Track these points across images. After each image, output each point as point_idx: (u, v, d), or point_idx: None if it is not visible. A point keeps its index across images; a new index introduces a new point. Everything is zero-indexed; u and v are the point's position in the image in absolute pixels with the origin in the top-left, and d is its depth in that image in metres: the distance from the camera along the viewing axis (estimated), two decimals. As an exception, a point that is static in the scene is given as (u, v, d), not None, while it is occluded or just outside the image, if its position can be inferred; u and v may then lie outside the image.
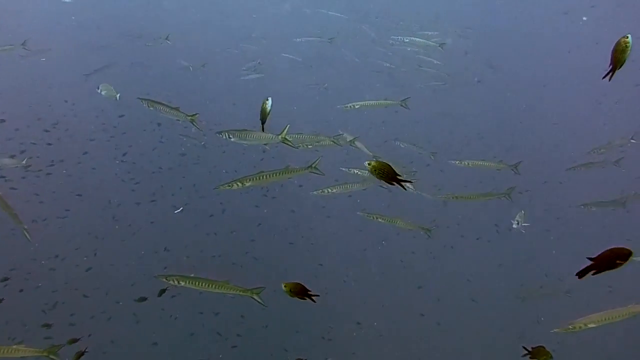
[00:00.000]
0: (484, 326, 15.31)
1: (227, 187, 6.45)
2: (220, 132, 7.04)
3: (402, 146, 13.29)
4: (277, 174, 6.63)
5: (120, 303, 13.34)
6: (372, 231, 16.45)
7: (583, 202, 12.22)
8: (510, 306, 15.34)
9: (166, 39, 17.78)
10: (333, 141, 8.84)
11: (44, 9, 24.20)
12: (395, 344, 15.00)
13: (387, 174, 4.70)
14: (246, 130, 7.10)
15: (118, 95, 10.45)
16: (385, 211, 9.56)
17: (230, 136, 7.02)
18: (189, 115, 7.58)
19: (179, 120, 7.78)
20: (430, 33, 19.30)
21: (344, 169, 9.37)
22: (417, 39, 15.92)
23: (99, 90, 10.39)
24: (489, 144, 21.26)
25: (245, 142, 7.25)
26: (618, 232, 15.21)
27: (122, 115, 16.93)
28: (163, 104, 7.58)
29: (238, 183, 6.44)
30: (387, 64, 20.55)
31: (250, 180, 6.50)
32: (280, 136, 7.18)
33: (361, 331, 14.99)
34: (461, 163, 9.61)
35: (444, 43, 15.13)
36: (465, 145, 20.61)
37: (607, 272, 4.10)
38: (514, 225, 9.17)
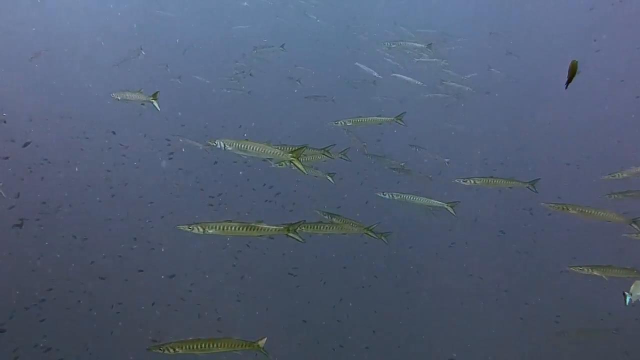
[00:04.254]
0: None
1: (187, 229, 6.14)
2: (214, 141, 6.69)
3: (417, 152, 13.24)
4: (246, 229, 6.17)
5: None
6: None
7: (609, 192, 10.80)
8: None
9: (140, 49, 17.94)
10: (324, 154, 8.05)
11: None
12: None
13: None
14: (247, 140, 6.70)
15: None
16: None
17: (227, 145, 6.66)
18: (150, 96, 8.43)
19: (143, 104, 8.64)
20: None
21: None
22: (405, 42, 15.85)
23: None
24: (502, 160, 20.94)
25: (244, 154, 6.85)
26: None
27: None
28: (129, 91, 8.48)
29: (199, 227, 6.13)
30: (417, 81, 19.98)
31: (213, 228, 6.14)
32: (290, 154, 6.63)
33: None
34: (467, 181, 9.05)
35: (431, 44, 15.05)
36: (475, 160, 20.31)
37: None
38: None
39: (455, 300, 16.20)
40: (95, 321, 13.63)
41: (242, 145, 6.71)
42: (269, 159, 6.88)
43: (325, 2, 26.48)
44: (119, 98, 8.61)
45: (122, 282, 14.22)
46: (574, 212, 8.28)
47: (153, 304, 13.75)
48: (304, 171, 6.78)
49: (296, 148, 6.63)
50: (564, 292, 15.17)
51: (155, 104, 8.46)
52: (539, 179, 9.27)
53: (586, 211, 8.27)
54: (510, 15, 29.66)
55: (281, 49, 19.50)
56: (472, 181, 9.08)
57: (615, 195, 11.11)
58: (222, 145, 6.73)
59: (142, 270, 14.31)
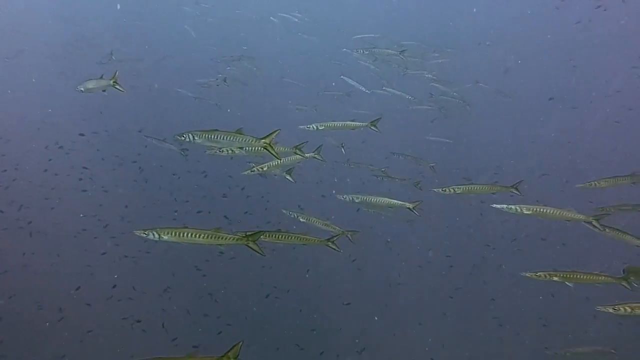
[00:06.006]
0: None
1: (143, 235, 5.95)
2: (181, 135, 6.43)
3: (401, 159, 13.22)
4: (203, 236, 5.94)
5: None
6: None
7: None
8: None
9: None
10: (296, 152, 7.95)
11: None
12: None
13: None
14: (216, 130, 6.43)
15: None
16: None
17: (195, 137, 6.41)
18: (111, 79, 8.69)
19: (104, 92, 8.75)
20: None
21: None
22: (377, 49, 16.19)
23: None
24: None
25: (214, 145, 6.62)
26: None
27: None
28: (91, 79, 8.80)
29: (155, 233, 5.92)
30: (407, 95, 19.83)
31: (168, 234, 5.93)
32: (263, 141, 6.42)
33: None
34: (446, 190, 8.76)
35: (404, 50, 15.56)
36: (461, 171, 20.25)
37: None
38: None
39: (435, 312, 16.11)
40: (66, 339, 13.32)
41: (212, 136, 6.46)
42: (240, 148, 6.58)
43: (311, 16, 26.54)
44: (83, 89, 8.89)
45: (93, 298, 13.86)
46: (529, 212, 7.85)
47: (139, 321, 13.40)
48: (278, 157, 6.53)
49: (268, 134, 6.35)
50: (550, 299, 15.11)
51: (118, 86, 8.58)
52: (521, 180, 8.90)
53: (542, 211, 7.83)
54: (497, 27, 30.05)
55: (238, 59, 19.92)
56: (452, 190, 8.80)
57: (607, 209, 10.81)
58: (191, 138, 6.50)
59: (115, 286, 13.97)
